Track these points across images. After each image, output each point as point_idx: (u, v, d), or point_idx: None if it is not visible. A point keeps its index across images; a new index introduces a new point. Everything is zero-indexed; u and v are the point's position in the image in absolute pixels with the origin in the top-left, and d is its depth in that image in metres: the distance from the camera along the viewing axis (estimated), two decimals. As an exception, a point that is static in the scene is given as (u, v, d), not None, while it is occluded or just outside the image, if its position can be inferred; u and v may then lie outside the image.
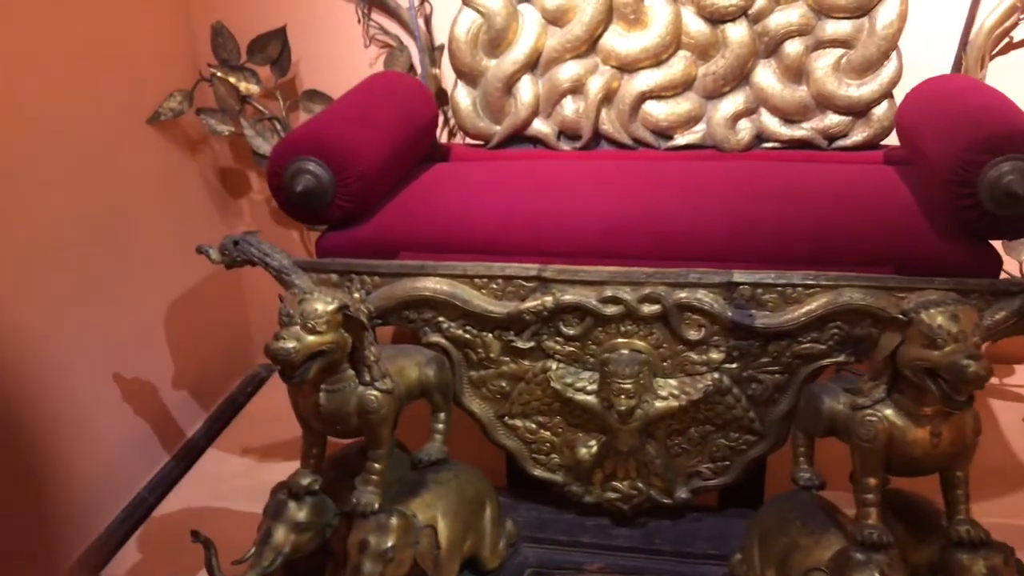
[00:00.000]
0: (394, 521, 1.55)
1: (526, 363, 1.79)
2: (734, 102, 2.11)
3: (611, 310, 1.70)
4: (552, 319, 1.73)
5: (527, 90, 2.17)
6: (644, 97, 2.14)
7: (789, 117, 2.09)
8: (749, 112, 2.11)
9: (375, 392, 1.57)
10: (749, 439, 1.78)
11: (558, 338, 1.75)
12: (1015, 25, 2.11)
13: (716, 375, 1.72)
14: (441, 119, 2.39)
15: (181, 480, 2.34)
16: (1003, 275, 1.62)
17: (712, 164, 2.03)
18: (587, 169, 2.04)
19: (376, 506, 1.57)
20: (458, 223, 1.83)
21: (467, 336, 1.79)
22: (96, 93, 2.14)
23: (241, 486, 2.23)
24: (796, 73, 2.06)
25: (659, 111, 2.15)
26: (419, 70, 2.42)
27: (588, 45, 2.13)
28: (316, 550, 1.65)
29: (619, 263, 1.71)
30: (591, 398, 1.75)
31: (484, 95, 2.19)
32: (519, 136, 2.22)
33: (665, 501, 1.84)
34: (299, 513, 1.62)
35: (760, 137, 2.13)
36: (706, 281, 1.66)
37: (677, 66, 2.11)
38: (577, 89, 2.16)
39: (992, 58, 2.17)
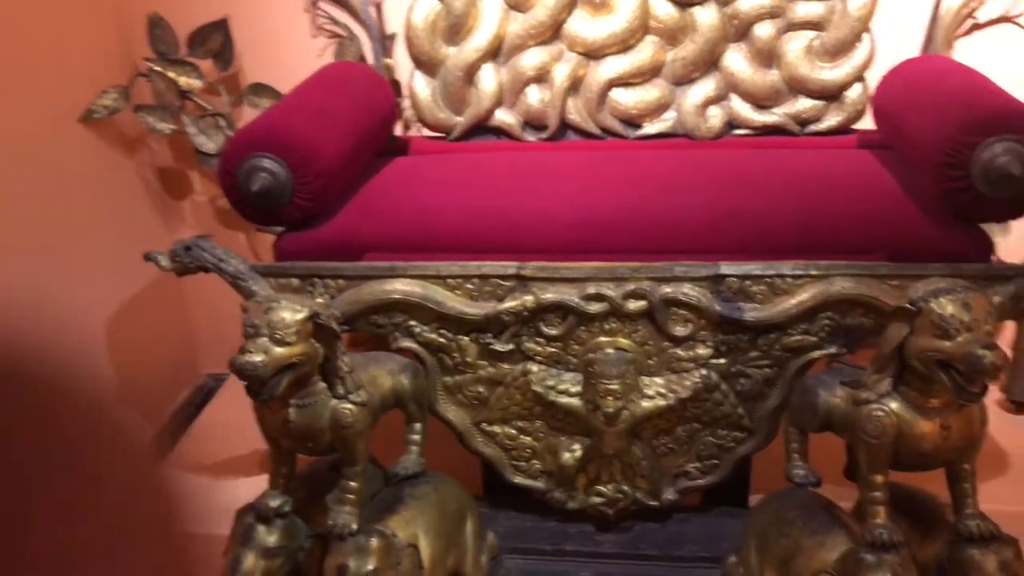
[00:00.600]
0: (374, 542, 1.45)
1: (505, 366, 1.70)
2: (704, 88, 2.04)
3: (595, 308, 1.61)
4: (532, 319, 1.65)
5: (489, 79, 2.07)
6: (611, 84, 2.05)
7: (760, 102, 2.03)
8: (720, 98, 2.05)
9: (349, 405, 1.46)
10: (738, 436, 1.71)
11: (539, 339, 1.67)
12: (981, 4, 2.09)
13: (704, 371, 1.65)
14: (395, 111, 2.28)
15: (131, 502, 2.19)
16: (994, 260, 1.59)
17: (686, 153, 1.96)
18: (557, 160, 1.95)
19: (354, 527, 1.46)
20: (427, 220, 1.73)
21: (441, 340, 1.70)
22: (21, 90, 1.97)
23: (201, 507, 2.09)
24: (767, 57, 2.00)
25: (627, 99, 2.07)
26: (370, 60, 2.30)
27: (552, 31, 2.04)
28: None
29: (600, 259, 1.63)
30: (575, 401, 1.67)
31: (444, 85, 2.09)
32: (482, 127, 2.12)
33: (651, 503, 1.76)
34: (269, 537, 1.51)
35: (731, 124, 2.06)
36: (693, 274, 1.59)
37: (645, 52, 2.03)
38: (542, 77, 2.07)
39: (957, 39, 2.14)
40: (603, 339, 1.65)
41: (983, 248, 1.57)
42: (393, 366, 1.64)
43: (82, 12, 2.23)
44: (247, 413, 2.42)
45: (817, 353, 1.62)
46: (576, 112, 2.09)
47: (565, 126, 2.11)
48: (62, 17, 2.14)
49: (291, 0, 2.35)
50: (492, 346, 1.68)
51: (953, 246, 1.55)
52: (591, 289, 1.61)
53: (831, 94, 1.99)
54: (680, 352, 1.65)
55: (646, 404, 1.66)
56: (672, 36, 2.02)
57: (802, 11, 1.96)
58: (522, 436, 1.76)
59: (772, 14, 1.97)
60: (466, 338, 1.69)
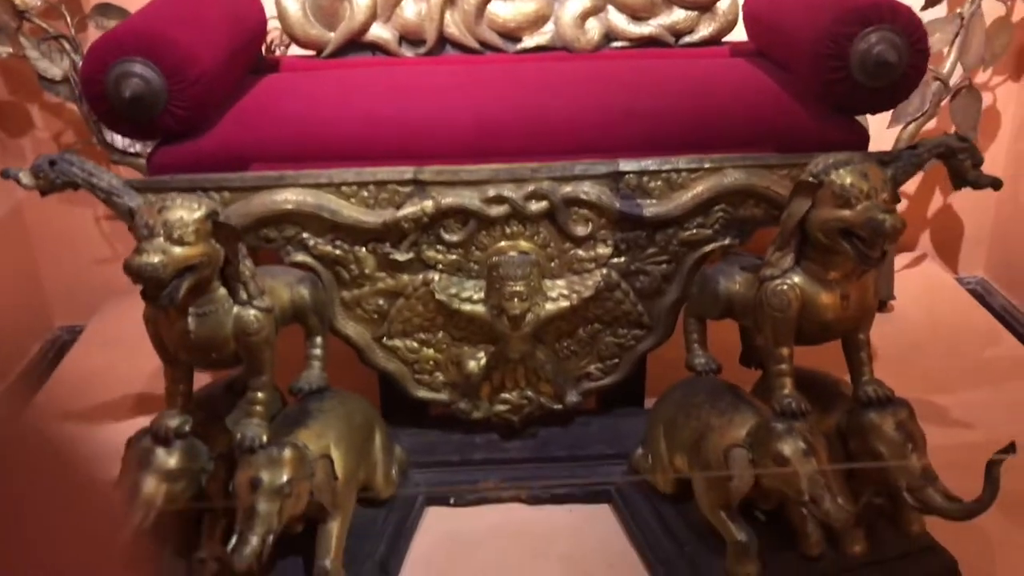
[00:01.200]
0: (287, 453, 1.38)
1: (405, 277, 1.66)
2: (581, 1, 2.05)
3: (496, 211, 1.60)
4: (432, 226, 1.61)
5: (364, -9, 2.00)
6: (490, -4, 2.03)
7: (637, 14, 2.05)
8: (597, 10, 2.05)
9: (254, 311, 1.39)
10: (637, 334, 1.74)
11: (439, 246, 1.63)
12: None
13: (604, 271, 1.66)
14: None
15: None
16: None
17: (569, 64, 1.96)
18: (442, 71, 1.91)
19: (264, 439, 1.39)
20: (316, 129, 1.65)
21: (337, 252, 1.63)
22: None
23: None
24: (643, -32, 2.02)
25: (505, 12, 2.05)
26: (231, -22, 2.17)
27: (428, -59, 1.99)
28: (191, 499, 1.46)
29: (499, 161, 1.61)
30: (479, 307, 1.65)
31: (315, -1, 2.00)
32: (356, 43, 2.05)
33: (556, 407, 1.77)
34: (169, 460, 1.43)
35: (608, 36, 2.08)
36: (592, 172, 1.60)
37: (523, -37, 2.02)
38: (419, -11, 2.01)
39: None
40: (504, 243, 1.63)
41: (861, 139, 1.65)
42: (290, 278, 1.57)
43: None
44: (112, 363, 2.27)
45: (712, 246, 1.66)
46: (454, 25, 2.05)
47: (443, 41, 2.07)
48: None
49: (138, -89, 2.18)
50: (391, 256, 1.64)
51: (834, 137, 1.62)
52: (492, 191, 1.59)
53: (704, 5, 2.03)
54: (581, 252, 1.66)
55: (549, 307, 1.66)
56: (549, -53, 2.01)
57: (675, -78, 1.99)
58: (424, 348, 1.73)
59: (647, -76, 1.99)
60: (363, 249, 1.64)
